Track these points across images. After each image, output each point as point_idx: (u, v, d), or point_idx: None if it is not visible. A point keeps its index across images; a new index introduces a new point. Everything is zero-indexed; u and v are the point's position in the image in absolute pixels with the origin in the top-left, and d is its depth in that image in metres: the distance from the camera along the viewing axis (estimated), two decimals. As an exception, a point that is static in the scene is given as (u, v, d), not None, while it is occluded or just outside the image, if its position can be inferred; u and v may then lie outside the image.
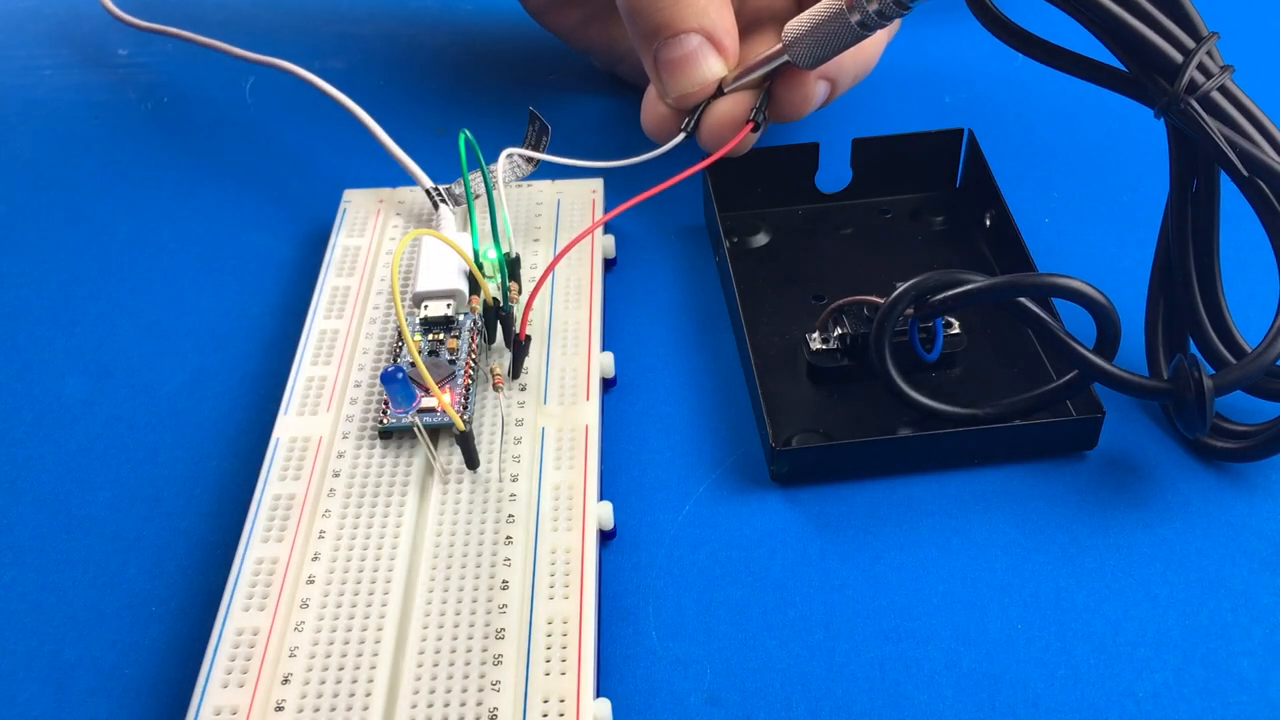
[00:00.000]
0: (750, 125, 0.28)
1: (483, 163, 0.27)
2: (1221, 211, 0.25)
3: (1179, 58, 0.23)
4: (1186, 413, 0.24)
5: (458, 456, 0.24)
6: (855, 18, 0.24)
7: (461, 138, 0.26)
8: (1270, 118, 0.23)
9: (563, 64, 0.38)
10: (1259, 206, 0.23)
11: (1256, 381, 0.24)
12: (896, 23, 0.26)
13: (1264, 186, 0.23)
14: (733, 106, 0.28)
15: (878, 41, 0.26)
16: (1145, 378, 0.24)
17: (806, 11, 0.26)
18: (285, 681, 0.21)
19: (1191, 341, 0.26)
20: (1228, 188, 0.24)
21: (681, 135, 0.28)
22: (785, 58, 0.27)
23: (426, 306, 0.27)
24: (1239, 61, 0.24)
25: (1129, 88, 0.24)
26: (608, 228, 0.31)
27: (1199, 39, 0.23)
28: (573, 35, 0.36)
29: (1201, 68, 0.23)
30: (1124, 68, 0.24)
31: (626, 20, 0.28)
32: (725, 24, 0.28)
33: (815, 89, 0.28)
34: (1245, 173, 0.22)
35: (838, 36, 0.25)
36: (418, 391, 0.25)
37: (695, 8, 0.27)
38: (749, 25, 0.29)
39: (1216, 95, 0.23)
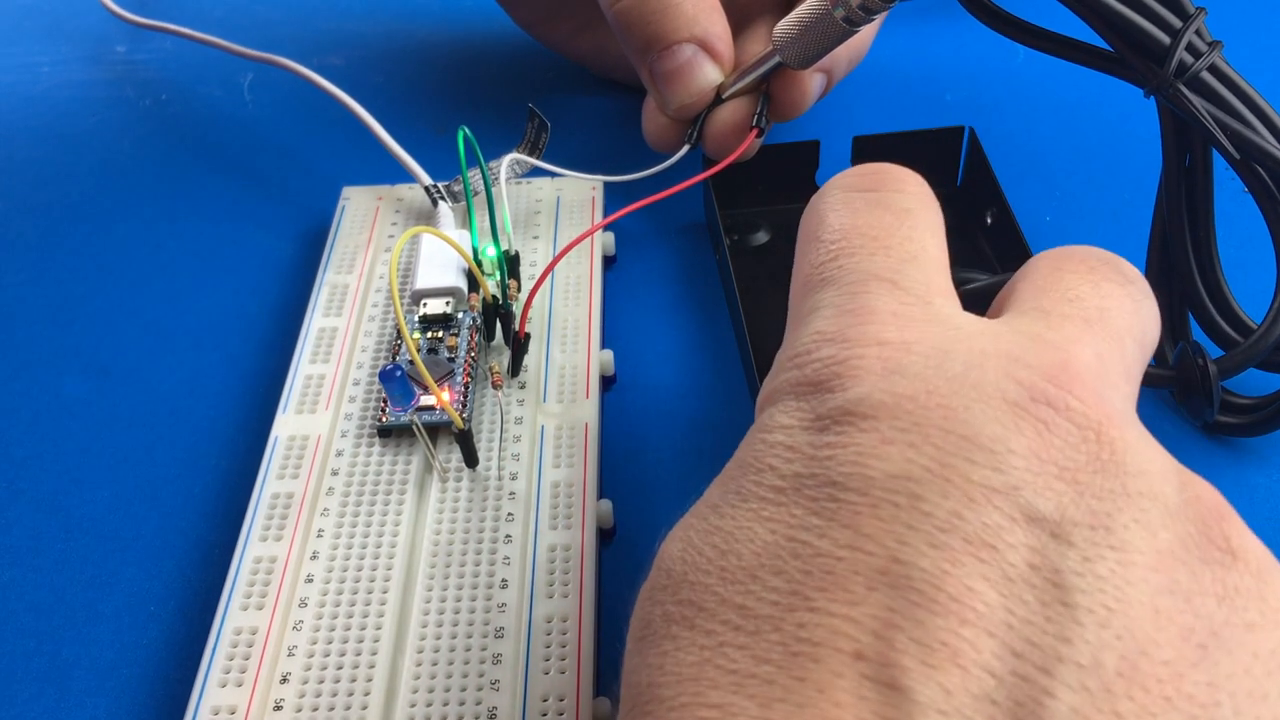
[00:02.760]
0: (755, 131, 0.28)
1: (481, 160, 0.27)
2: (1214, 185, 0.24)
3: (1166, 40, 0.22)
4: (1193, 399, 0.24)
5: (457, 455, 0.24)
6: (840, 14, 0.24)
7: (460, 135, 0.26)
8: (1261, 91, 0.23)
9: (562, 62, 0.38)
10: (1253, 187, 0.23)
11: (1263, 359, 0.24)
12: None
13: (1257, 168, 0.22)
14: (734, 112, 0.28)
15: (869, 26, 0.26)
16: (1150, 365, 0.24)
17: (793, 13, 0.26)
18: (283, 681, 0.21)
19: (1193, 319, 0.26)
20: (1220, 160, 0.23)
21: (686, 148, 0.28)
22: (778, 59, 0.27)
23: (425, 304, 0.27)
24: (1229, 30, 0.23)
25: (1118, 69, 0.24)
26: (607, 225, 0.31)
27: (1186, 17, 0.22)
28: (564, 46, 0.36)
29: (1190, 48, 0.22)
30: (1112, 49, 0.24)
31: (619, 35, 0.28)
32: (717, 29, 0.27)
33: (812, 85, 0.28)
34: (1237, 155, 0.22)
35: (827, 35, 0.25)
36: (416, 390, 0.25)
37: (686, 17, 0.27)
38: (739, 23, 0.29)
39: (1206, 75, 0.22)
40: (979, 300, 0.25)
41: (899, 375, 0.14)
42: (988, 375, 0.14)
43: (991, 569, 0.12)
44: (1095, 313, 0.16)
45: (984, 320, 0.16)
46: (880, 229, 0.17)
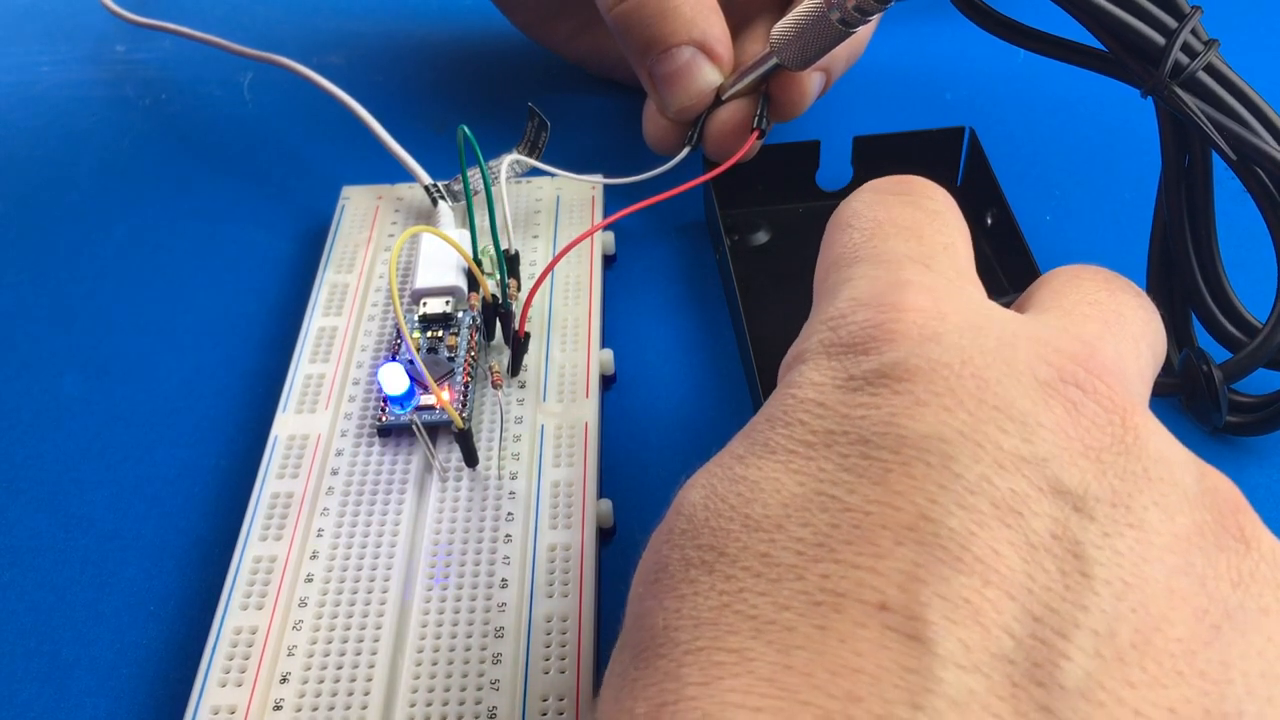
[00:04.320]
0: (756, 133, 0.28)
1: (481, 159, 0.27)
2: (1214, 185, 0.24)
3: (1160, 40, 0.22)
4: (1201, 406, 0.24)
5: (456, 454, 0.24)
6: (836, 16, 0.24)
7: (460, 134, 0.26)
8: (1261, 91, 0.23)
9: (561, 62, 0.38)
10: (1252, 189, 0.23)
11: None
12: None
13: (1256, 170, 0.22)
14: (734, 113, 0.28)
15: (866, 25, 0.26)
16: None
17: (789, 15, 0.26)
18: (283, 680, 0.21)
19: (1196, 319, 0.26)
20: (1220, 160, 0.23)
21: (687, 150, 0.28)
22: (775, 61, 0.27)
23: (425, 304, 0.27)
24: (1229, 28, 0.23)
25: (1114, 70, 0.24)
26: (608, 224, 0.31)
27: (1181, 17, 0.22)
28: (563, 47, 0.36)
29: (1185, 48, 0.22)
30: (1107, 50, 0.24)
31: (617, 38, 0.28)
32: (716, 31, 0.27)
33: (811, 85, 0.28)
34: (1234, 157, 0.22)
35: (823, 36, 0.25)
36: (416, 389, 0.25)
37: (684, 19, 0.27)
38: (738, 24, 0.29)
39: (1202, 75, 0.22)
40: None
41: (935, 343, 0.15)
42: (1019, 354, 0.15)
43: (1016, 534, 0.13)
44: (1114, 316, 0.17)
45: (1011, 310, 0.17)
46: (913, 222, 0.18)
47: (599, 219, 0.31)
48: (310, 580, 0.22)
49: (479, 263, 0.27)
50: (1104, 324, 0.16)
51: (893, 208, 0.18)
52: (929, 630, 0.12)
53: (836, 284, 0.17)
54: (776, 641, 0.12)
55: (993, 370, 0.14)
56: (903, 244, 0.17)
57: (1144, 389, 0.17)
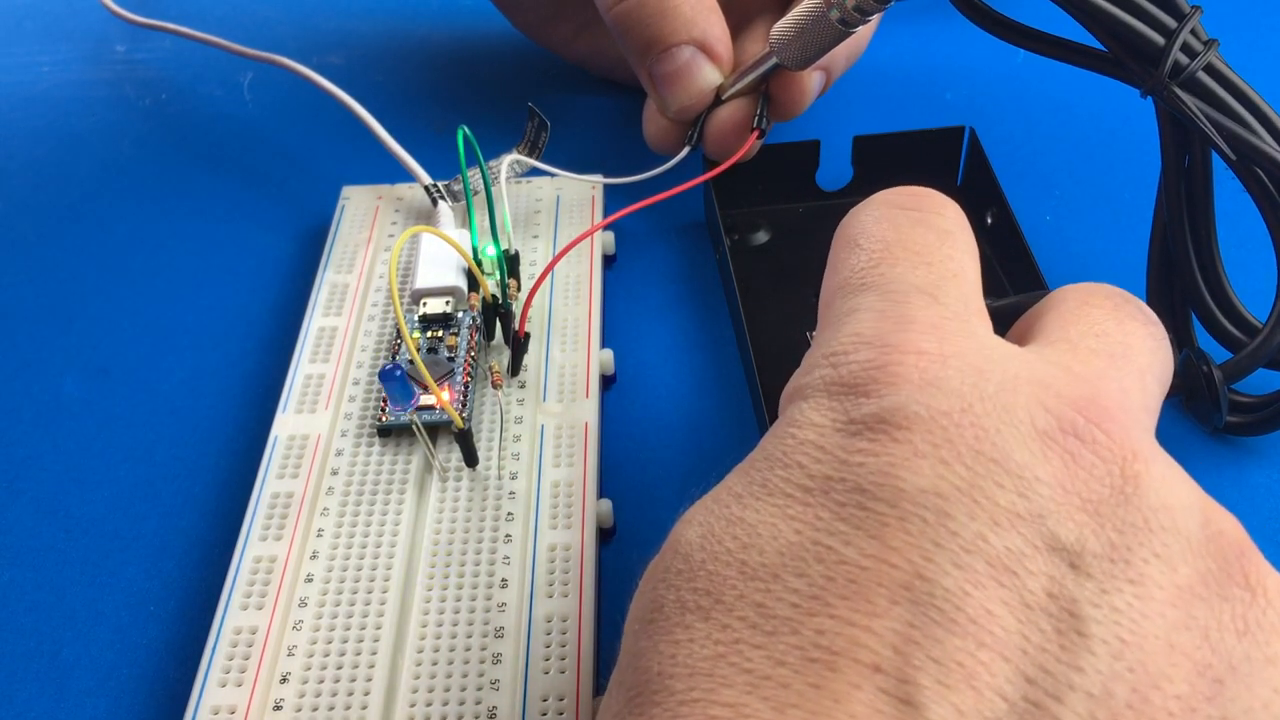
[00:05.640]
0: (756, 133, 0.28)
1: (481, 159, 0.27)
2: (1214, 185, 0.24)
3: (1160, 40, 0.22)
4: (1201, 406, 0.24)
5: (456, 454, 0.24)
6: (836, 15, 0.24)
7: (460, 134, 0.26)
8: (1261, 91, 0.23)
9: (561, 62, 0.38)
10: (1252, 189, 0.23)
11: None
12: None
13: (1256, 170, 0.22)
14: (733, 112, 0.28)
15: (866, 25, 0.26)
16: None
17: (789, 15, 0.26)
18: (283, 681, 0.21)
19: (1195, 318, 0.25)
20: (1220, 160, 0.23)
21: (686, 149, 0.28)
22: (775, 60, 0.27)
23: (425, 304, 0.27)
24: (1231, 27, 0.23)
25: (1113, 70, 0.24)
26: (607, 224, 0.31)
27: (1181, 17, 0.22)
28: (564, 48, 0.36)
29: (1185, 48, 0.22)
30: (1106, 50, 0.23)
31: (617, 38, 0.28)
32: (716, 31, 0.27)
33: (811, 84, 0.28)
34: (1234, 156, 0.22)
35: (823, 36, 0.25)
36: (416, 389, 0.25)
37: (684, 19, 0.27)
38: (738, 24, 0.29)
39: (1202, 75, 0.22)
40: (996, 321, 0.24)
41: (935, 389, 0.14)
42: (1019, 400, 0.14)
43: (1011, 594, 0.13)
44: (1120, 348, 0.17)
45: (1015, 346, 0.16)
46: (922, 245, 0.18)
47: (599, 219, 0.31)
48: (310, 580, 0.22)
49: (479, 263, 0.27)
50: (1109, 360, 0.16)
51: (902, 228, 0.18)
52: (921, 695, 0.12)
53: (841, 314, 0.17)
54: (771, 698, 0.12)
55: (992, 419, 0.14)
56: (910, 271, 0.17)
57: (1149, 420, 0.16)
